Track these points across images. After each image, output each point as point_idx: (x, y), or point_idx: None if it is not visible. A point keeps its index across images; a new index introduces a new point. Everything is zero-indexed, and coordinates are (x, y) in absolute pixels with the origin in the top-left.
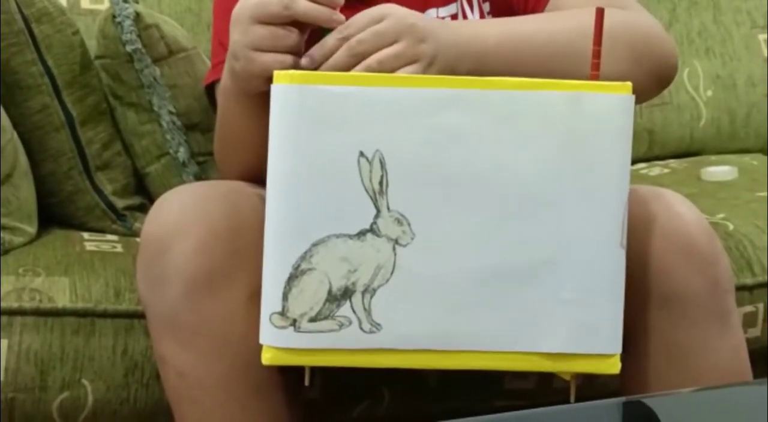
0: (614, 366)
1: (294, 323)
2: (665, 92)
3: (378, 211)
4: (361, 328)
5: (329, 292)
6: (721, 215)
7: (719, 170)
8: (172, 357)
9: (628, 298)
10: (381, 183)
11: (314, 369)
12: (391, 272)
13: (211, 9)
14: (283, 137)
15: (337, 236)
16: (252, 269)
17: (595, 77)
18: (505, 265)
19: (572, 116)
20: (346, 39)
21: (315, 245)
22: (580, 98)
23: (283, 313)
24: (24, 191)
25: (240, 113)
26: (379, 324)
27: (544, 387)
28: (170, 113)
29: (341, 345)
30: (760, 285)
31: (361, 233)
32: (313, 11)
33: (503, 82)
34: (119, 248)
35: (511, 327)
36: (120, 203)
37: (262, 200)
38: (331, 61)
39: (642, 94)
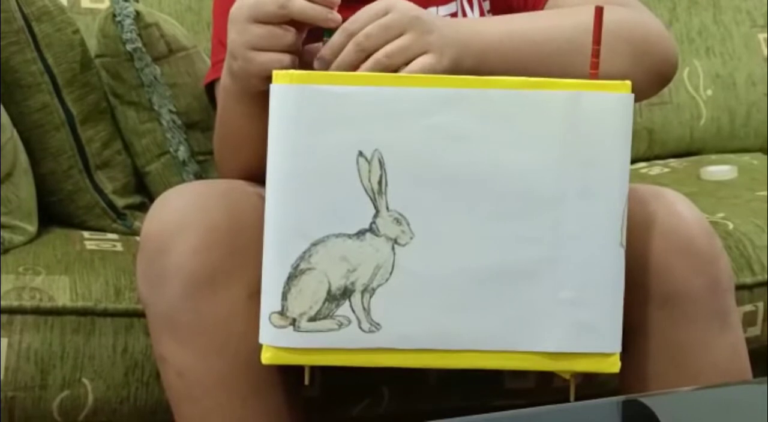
0: (614, 365)
1: (293, 322)
2: (665, 91)
3: (377, 210)
4: (361, 328)
5: (328, 292)
6: (721, 215)
7: (719, 170)
8: (172, 355)
9: (627, 297)
10: (380, 183)
11: (314, 368)
12: (390, 272)
13: (211, 8)
14: (282, 136)
15: (337, 235)
16: (252, 268)
17: (595, 76)
18: (504, 264)
19: (572, 115)
20: (352, 35)
21: (314, 244)
22: (579, 97)
23: (282, 313)
24: (24, 190)
25: (239, 113)
26: (378, 324)
27: (543, 387)
28: (170, 111)
29: (340, 344)
30: (759, 284)
31: (361, 233)
32: (309, 10)
33: (502, 81)
34: (119, 247)
35: (511, 326)
36: (120, 201)
37: (262, 199)
38: (340, 58)
39: (642, 93)
